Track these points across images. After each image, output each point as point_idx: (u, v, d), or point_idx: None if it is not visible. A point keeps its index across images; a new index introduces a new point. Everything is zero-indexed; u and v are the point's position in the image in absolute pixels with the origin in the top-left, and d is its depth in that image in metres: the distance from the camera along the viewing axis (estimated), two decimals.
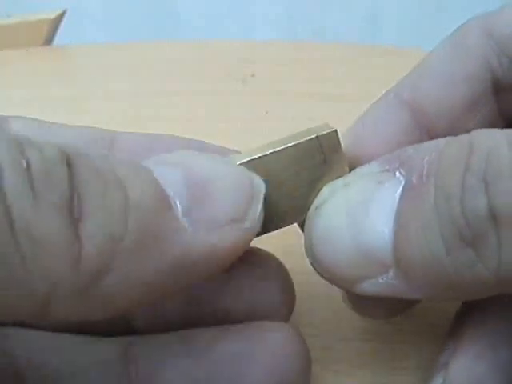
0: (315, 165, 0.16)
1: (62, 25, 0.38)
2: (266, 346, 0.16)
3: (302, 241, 0.20)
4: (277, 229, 0.17)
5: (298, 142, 0.15)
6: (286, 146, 0.15)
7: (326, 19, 0.62)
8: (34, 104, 0.31)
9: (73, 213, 0.11)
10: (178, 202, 0.13)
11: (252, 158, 0.15)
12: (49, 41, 0.38)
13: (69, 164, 0.12)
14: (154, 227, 0.12)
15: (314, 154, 0.16)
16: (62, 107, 0.30)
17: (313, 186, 0.16)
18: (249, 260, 0.17)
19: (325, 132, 0.16)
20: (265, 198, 0.15)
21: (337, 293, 0.20)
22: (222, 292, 0.17)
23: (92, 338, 0.16)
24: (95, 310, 0.12)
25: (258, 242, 0.22)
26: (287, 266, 0.21)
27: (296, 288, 0.21)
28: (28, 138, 0.12)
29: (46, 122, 0.17)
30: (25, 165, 0.11)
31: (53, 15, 0.37)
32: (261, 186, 0.15)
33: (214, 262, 0.14)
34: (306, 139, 0.16)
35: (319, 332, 0.19)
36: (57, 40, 0.38)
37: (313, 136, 0.16)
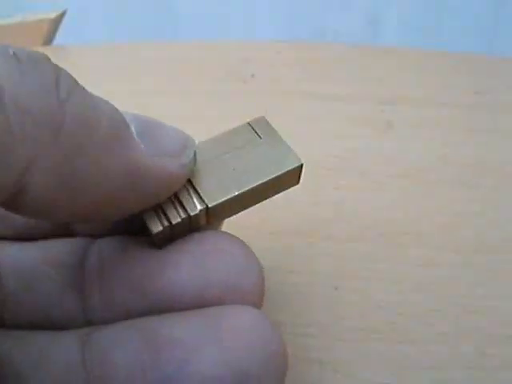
0: (252, 140, 0.18)
1: (62, 25, 0.38)
2: (219, 330, 0.15)
3: (302, 241, 0.21)
4: (233, 210, 0.18)
5: (233, 128, 0.19)
6: (223, 133, 0.18)
7: (326, 19, 0.61)
8: None
9: (59, 92, 0.13)
10: (132, 127, 0.15)
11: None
12: (49, 41, 0.38)
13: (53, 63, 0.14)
14: (118, 131, 0.14)
15: (248, 133, 0.18)
16: None
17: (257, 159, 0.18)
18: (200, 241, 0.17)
19: (254, 119, 0.19)
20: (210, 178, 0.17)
21: (337, 293, 0.20)
22: (172, 277, 0.16)
23: (54, 333, 0.16)
24: (62, 201, 0.14)
25: (259, 242, 0.22)
26: (287, 265, 0.21)
27: (296, 288, 0.21)
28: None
29: None
30: (11, 52, 0.13)
31: (53, 15, 0.37)
32: (194, 141, 0.17)
33: (157, 185, 0.15)
34: (239, 126, 0.19)
35: (319, 332, 0.19)
36: (57, 40, 0.38)
37: (245, 123, 0.19)
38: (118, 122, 0.15)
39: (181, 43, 0.37)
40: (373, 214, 0.23)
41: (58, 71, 0.14)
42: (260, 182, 0.17)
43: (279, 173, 0.17)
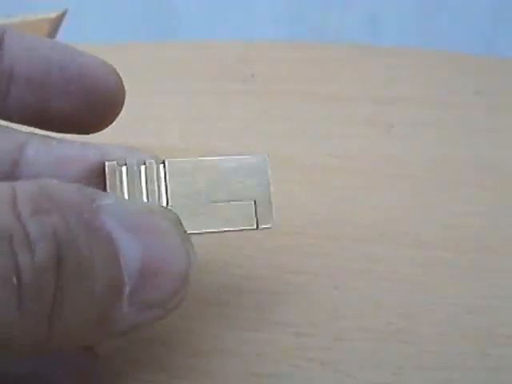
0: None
1: (63, 25, 0.38)
2: None
3: (302, 241, 0.21)
4: None
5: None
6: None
7: (326, 19, 0.61)
8: None
9: (51, 317, 0.12)
10: (127, 288, 0.13)
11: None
12: None
13: (58, 262, 0.12)
14: (105, 313, 0.13)
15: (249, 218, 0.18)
16: None
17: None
18: None
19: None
20: None
21: (337, 293, 0.20)
22: None
23: None
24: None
25: (259, 242, 0.22)
26: (287, 265, 0.21)
27: (295, 288, 0.21)
28: (21, 229, 0.12)
29: None
30: (15, 281, 0.12)
31: (53, 15, 0.37)
32: (195, 266, 0.15)
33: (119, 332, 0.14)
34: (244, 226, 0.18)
35: (319, 332, 0.19)
36: (57, 40, 0.38)
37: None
38: (110, 301, 0.13)
39: (181, 43, 0.37)
40: (373, 214, 0.23)
41: (58, 284, 0.12)
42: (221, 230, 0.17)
43: (244, 228, 0.18)
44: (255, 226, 0.18)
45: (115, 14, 0.72)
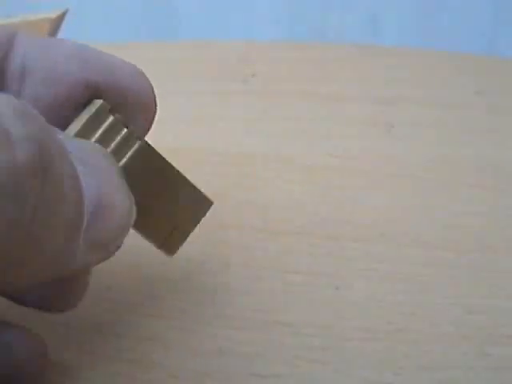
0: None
1: (63, 25, 0.38)
2: None
3: (302, 241, 0.21)
4: None
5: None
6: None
7: (326, 19, 0.61)
8: None
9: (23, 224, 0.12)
10: (85, 221, 0.14)
11: None
12: None
13: (41, 169, 0.12)
14: (66, 245, 0.13)
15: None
16: None
17: None
18: None
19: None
20: None
21: (337, 293, 0.20)
22: None
23: None
24: None
25: (258, 242, 0.22)
26: (287, 265, 0.21)
27: (296, 288, 0.21)
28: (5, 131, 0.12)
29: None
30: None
31: (54, 15, 0.37)
32: (134, 215, 0.15)
33: (70, 270, 0.14)
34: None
35: (320, 332, 0.19)
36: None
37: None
38: (72, 230, 0.13)
39: (181, 43, 0.37)
40: (373, 214, 0.23)
41: (36, 202, 0.12)
42: None
43: None
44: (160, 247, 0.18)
45: (115, 13, 0.72)
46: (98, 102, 0.16)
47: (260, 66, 0.32)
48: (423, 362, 0.18)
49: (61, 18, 0.37)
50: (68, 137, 0.15)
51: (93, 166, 0.14)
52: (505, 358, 0.18)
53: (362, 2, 0.60)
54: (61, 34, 0.38)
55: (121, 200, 0.15)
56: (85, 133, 0.16)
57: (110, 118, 0.16)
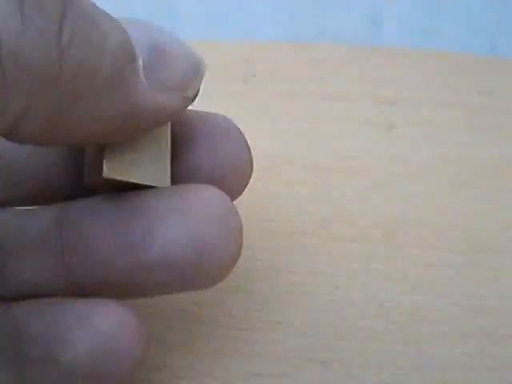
0: None
1: None
2: (185, 203, 0.16)
3: (302, 241, 0.21)
4: None
5: None
6: None
7: (326, 19, 0.61)
8: None
9: (61, 39, 0.13)
10: (141, 59, 0.14)
11: None
12: None
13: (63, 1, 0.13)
14: (120, 73, 0.14)
15: None
16: None
17: None
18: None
19: None
20: None
21: (337, 292, 0.20)
22: None
23: (29, 210, 0.17)
24: (59, 136, 0.14)
25: (259, 242, 0.22)
26: (287, 265, 0.21)
27: (296, 288, 0.21)
28: None
29: None
30: None
31: None
32: (203, 62, 0.17)
33: (156, 119, 0.15)
34: None
35: (319, 332, 0.19)
36: None
37: None
38: (123, 59, 0.14)
39: None
40: (373, 214, 0.23)
41: (64, 11, 0.13)
42: None
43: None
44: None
45: (115, 14, 0.72)
46: None
47: (260, 65, 0.32)
48: (423, 362, 0.18)
49: None
50: None
51: (139, 23, 0.16)
52: (505, 358, 0.18)
53: (361, 1, 0.60)
54: None
55: (178, 47, 0.16)
56: None
57: None
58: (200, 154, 0.17)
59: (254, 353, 0.19)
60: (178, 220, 0.16)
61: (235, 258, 0.17)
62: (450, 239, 0.22)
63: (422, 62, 0.32)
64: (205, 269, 0.16)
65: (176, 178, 0.17)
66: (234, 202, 0.17)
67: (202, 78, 0.16)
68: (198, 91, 0.16)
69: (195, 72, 0.16)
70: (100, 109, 0.14)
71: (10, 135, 0.13)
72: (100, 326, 0.16)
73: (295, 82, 0.31)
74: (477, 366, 0.18)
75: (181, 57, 0.16)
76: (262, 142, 0.27)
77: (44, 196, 0.18)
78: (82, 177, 0.17)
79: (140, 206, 0.16)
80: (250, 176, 0.18)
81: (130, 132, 0.15)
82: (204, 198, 0.16)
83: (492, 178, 0.25)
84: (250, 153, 0.18)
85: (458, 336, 0.19)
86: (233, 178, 0.17)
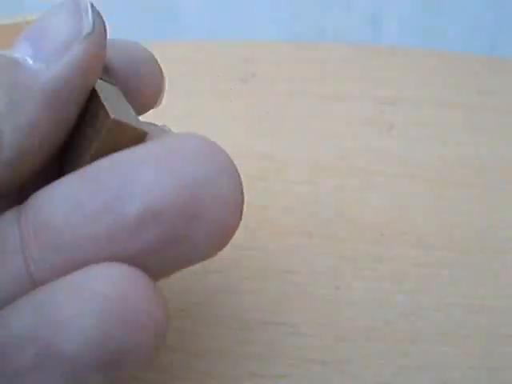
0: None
1: None
2: (167, 147, 0.14)
3: (302, 241, 0.21)
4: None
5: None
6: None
7: (326, 19, 0.61)
8: None
9: None
10: (26, 57, 0.14)
11: None
12: None
13: None
14: (15, 84, 0.14)
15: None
16: None
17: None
18: None
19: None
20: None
21: (337, 292, 0.20)
22: None
23: None
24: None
25: (259, 242, 0.22)
26: (287, 265, 0.21)
27: (296, 288, 0.21)
28: None
29: None
30: None
31: None
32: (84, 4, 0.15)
33: (81, 77, 0.14)
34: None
35: (320, 332, 0.19)
36: None
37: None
38: (8, 72, 0.14)
39: (181, 43, 0.37)
40: (373, 214, 0.23)
41: None
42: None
43: None
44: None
45: (115, 14, 0.72)
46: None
47: (260, 65, 0.32)
48: (423, 362, 0.18)
49: None
50: None
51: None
52: (505, 358, 0.18)
53: (362, 1, 0.60)
54: None
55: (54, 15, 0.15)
56: None
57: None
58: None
59: (253, 353, 0.19)
60: (159, 162, 0.13)
61: (237, 200, 0.14)
62: (449, 239, 0.22)
63: (422, 62, 0.32)
64: (202, 216, 0.13)
65: None
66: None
67: (88, 11, 0.15)
68: (97, 21, 0.15)
69: (77, 13, 0.15)
70: (21, 118, 0.14)
71: None
72: (103, 288, 0.12)
73: (295, 82, 0.31)
74: (477, 366, 0.18)
75: (55, 17, 0.15)
76: (262, 141, 0.27)
77: None
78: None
79: (109, 164, 0.14)
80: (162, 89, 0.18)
81: (75, 97, 0.14)
82: (185, 139, 0.14)
83: (492, 177, 0.25)
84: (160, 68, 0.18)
85: (457, 336, 0.19)
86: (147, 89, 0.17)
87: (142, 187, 0.13)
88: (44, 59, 0.14)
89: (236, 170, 0.14)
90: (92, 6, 0.15)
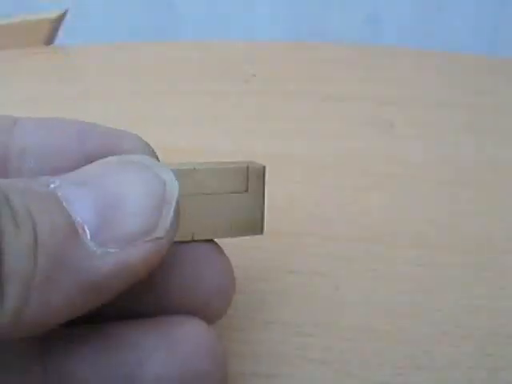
0: (237, 190, 0.17)
1: (63, 25, 0.38)
2: (172, 340, 0.15)
3: (302, 241, 0.20)
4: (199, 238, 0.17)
5: (228, 166, 0.16)
6: (216, 166, 0.16)
7: (326, 19, 0.62)
8: (34, 104, 0.31)
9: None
10: (86, 228, 0.13)
11: (182, 168, 0.16)
12: (50, 41, 0.38)
13: None
14: (62, 258, 0.12)
15: (239, 180, 0.17)
16: (62, 107, 0.30)
17: (230, 209, 0.17)
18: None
19: (255, 165, 0.17)
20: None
21: (337, 292, 0.20)
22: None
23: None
24: (22, 333, 0.13)
25: (259, 242, 0.22)
26: (287, 265, 0.21)
27: (296, 288, 0.21)
28: None
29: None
30: None
31: (54, 15, 0.37)
32: (174, 188, 0.14)
33: (129, 276, 0.14)
34: (236, 165, 0.17)
35: (320, 332, 0.19)
36: (58, 40, 0.38)
37: (243, 165, 0.17)
38: (61, 244, 0.13)
39: (181, 43, 0.37)
40: (373, 214, 0.23)
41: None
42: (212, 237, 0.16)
43: (235, 236, 0.17)
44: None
45: (115, 14, 0.72)
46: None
47: (260, 65, 0.32)
48: (423, 362, 0.18)
49: (61, 18, 0.37)
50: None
51: (88, 181, 0.14)
52: (505, 358, 0.18)
53: (361, 2, 0.60)
54: (61, 34, 0.38)
55: (132, 192, 0.14)
56: None
57: None
58: (185, 278, 0.16)
59: (253, 353, 0.19)
60: (168, 354, 0.15)
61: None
62: (450, 239, 0.22)
63: (421, 62, 0.32)
64: None
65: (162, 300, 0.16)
66: None
67: (171, 207, 0.14)
68: (173, 221, 0.14)
69: (158, 205, 0.14)
70: (54, 300, 0.13)
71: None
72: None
73: (295, 82, 0.31)
74: (477, 366, 0.18)
75: (135, 200, 0.14)
76: (262, 141, 0.27)
77: None
78: None
79: (128, 342, 0.15)
80: (231, 297, 0.17)
81: (107, 295, 0.14)
82: (190, 332, 0.16)
83: (492, 177, 0.25)
84: (233, 275, 0.17)
85: (458, 336, 0.19)
86: (217, 301, 0.17)
87: (151, 375, 0.15)
88: (103, 243, 0.13)
89: (226, 362, 0.16)
90: (177, 201, 0.14)
